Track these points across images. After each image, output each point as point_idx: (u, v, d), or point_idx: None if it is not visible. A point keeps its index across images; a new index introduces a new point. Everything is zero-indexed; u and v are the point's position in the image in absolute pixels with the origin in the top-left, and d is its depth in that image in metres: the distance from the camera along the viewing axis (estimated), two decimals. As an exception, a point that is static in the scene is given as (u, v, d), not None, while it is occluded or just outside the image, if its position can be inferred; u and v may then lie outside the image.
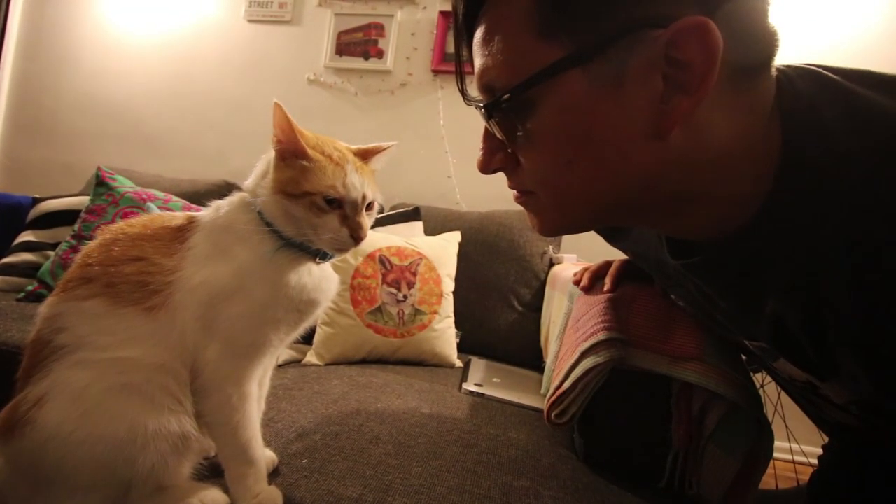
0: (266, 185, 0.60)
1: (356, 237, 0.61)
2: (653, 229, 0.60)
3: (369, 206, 0.64)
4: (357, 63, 2.19)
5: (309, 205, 0.59)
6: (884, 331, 0.40)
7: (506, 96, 0.43)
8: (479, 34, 0.46)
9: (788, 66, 0.46)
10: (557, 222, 0.52)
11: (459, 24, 0.48)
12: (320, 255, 0.63)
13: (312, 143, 0.61)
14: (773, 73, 0.44)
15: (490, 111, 0.45)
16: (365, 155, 0.67)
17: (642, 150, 0.42)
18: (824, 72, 0.44)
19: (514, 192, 0.53)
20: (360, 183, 0.61)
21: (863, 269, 0.39)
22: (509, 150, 0.49)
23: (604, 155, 0.43)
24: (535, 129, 0.44)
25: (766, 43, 0.42)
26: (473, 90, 0.50)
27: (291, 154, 0.60)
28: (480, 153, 0.51)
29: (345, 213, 0.61)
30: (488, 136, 0.50)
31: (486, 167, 0.51)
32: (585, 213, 0.49)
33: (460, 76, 0.52)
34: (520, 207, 0.54)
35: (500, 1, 0.44)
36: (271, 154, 0.62)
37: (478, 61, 0.46)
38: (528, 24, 0.41)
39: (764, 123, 0.43)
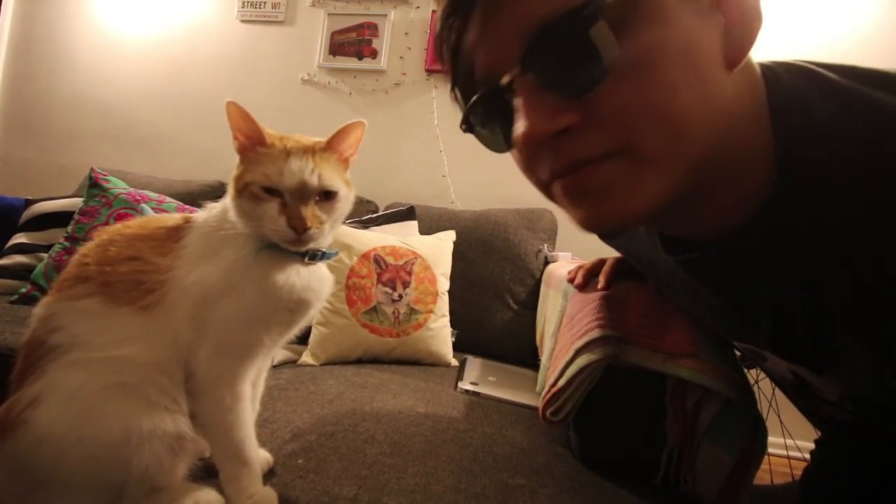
0: (230, 190, 0.61)
1: (294, 227, 0.57)
2: (664, 226, 0.56)
3: (328, 197, 0.60)
4: (351, 63, 2.19)
5: (249, 196, 0.58)
6: (888, 323, 0.40)
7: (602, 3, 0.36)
8: None
9: (773, 63, 0.46)
10: (657, 181, 0.41)
11: None
12: (309, 256, 0.62)
13: (276, 136, 0.61)
14: (757, 68, 0.44)
15: (593, 17, 0.36)
16: (331, 143, 0.62)
17: (721, 82, 0.40)
18: (810, 66, 0.44)
19: (564, 179, 0.43)
20: (301, 169, 0.57)
21: (867, 264, 0.40)
22: (572, 102, 0.40)
23: (701, 79, 0.39)
24: (640, 43, 0.37)
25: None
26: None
27: (250, 147, 0.59)
28: (527, 120, 0.40)
29: (285, 202, 0.58)
30: (536, 94, 0.40)
31: (545, 131, 0.40)
32: (688, 163, 0.41)
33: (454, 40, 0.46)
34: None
35: None
36: None
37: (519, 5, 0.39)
38: None
39: (761, 108, 0.43)
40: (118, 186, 1.66)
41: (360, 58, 2.18)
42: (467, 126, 0.50)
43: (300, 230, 0.57)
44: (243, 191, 0.58)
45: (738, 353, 0.73)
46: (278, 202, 0.57)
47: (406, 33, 2.15)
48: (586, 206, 0.44)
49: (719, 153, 0.41)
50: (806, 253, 0.43)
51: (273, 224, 0.57)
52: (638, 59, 0.37)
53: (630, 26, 0.37)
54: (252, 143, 0.60)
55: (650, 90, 0.38)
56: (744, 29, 0.40)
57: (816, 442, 0.83)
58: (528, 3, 0.39)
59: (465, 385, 1.08)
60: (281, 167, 0.57)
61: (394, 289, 1.31)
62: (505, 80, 0.42)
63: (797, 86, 0.43)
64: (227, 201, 0.61)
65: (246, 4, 2.31)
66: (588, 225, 0.45)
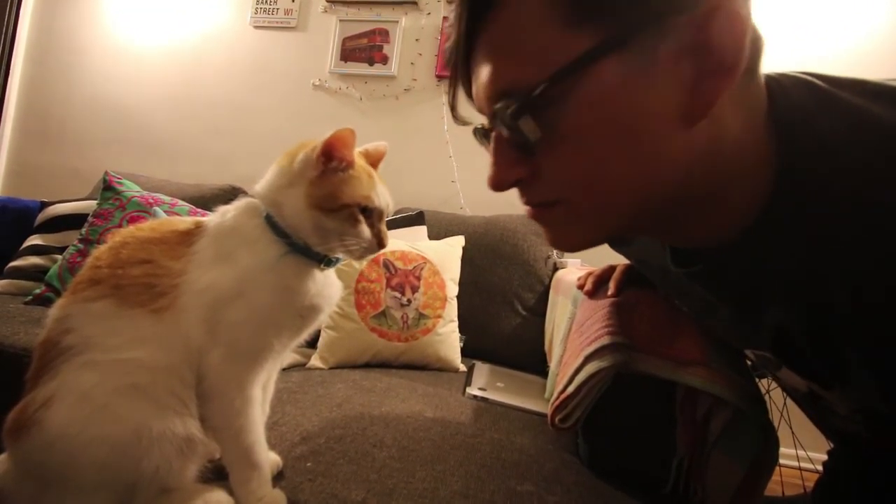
0: (294, 200, 0.60)
1: (382, 243, 0.64)
2: (661, 238, 0.59)
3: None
4: (362, 69, 2.21)
5: (346, 217, 0.61)
6: (889, 342, 0.40)
7: (537, 91, 0.40)
8: (488, 39, 0.43)
9: (780, 75, 0.45)
10: (580, 233, 0.48)
11: (461, 34, 0.45)
12: (325, 262, 0.63)
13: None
14: (762, 79, 0.44)
15: (517, 113, 0.41)
16: (371, 161, 0.68)
17: (673, 141, 0.41)
18: (816, 81, 0.44)
19: (529, 207, 0.50)
20: (384, 192, 0.65)
21: (868, 280, 0.39)
22: (527, 159, 0.45)
23: (638, 149, 0.41)
24: (567, 126, 0.41)
25: (758, 42, 0.42)
26: (464, 111, 0.51)
27: (335, 169, 0.61)
28: (492, 169, 0.47)
29: (372, 222, 0.63)
30: (500, 148, 0.46)
31: (503, 181, 0.47)
32: (619, 216, 0.46)
33: (453, 94, 0.51)
34: (524, 211, 0.52)
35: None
36: (285, 164, 0.63)
37: (487, 69, 0.43)
38: (552, 15, 0.39)
39: (761, 124, 0.43)
40: (131, 189, 1.68)
41: (371, 63, 2.20)
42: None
43: (384, 245, 0.64)
44: (339, 211, 0.60)
45: (749, 362, 0.72)
46: (368, 223, 0.63)
47: (417, 39, 2.16)
48: (545, 232, 0.51)
49: (692, 186, 0.43)
50: (805, 266, 0.43)
51: (362, 241, 0.62)
52: (565, 138, 0.42)
53: (557, 113, 0.40)
54: (344, 166, 0.61)
55: (578, 164, 0.43)
56: (711, 82, 0.39)
57: (829, 454, 0.82)
58: (487, 76, 0.44)
59: (473, 391, 1.08)
60: (375, 190, 0.63)
61: (402, 293, 1.32)
62: (486, 123, 0.48)
63: (801, 99, 0.43)
64: (287, 211, 0.61)
65: (259, 10, 2.33)
66: (550, 244, 0.53)
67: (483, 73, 0.44)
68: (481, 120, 0.50)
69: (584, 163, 0.42)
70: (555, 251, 1.65)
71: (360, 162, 0.64)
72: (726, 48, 0.37)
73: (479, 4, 0.43)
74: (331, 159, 0.60)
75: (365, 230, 0.62)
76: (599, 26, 0.38)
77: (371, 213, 0.63)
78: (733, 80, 0.38)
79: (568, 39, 0.39)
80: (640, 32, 0.38)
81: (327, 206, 0.60)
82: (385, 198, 0.65)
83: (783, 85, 0.44)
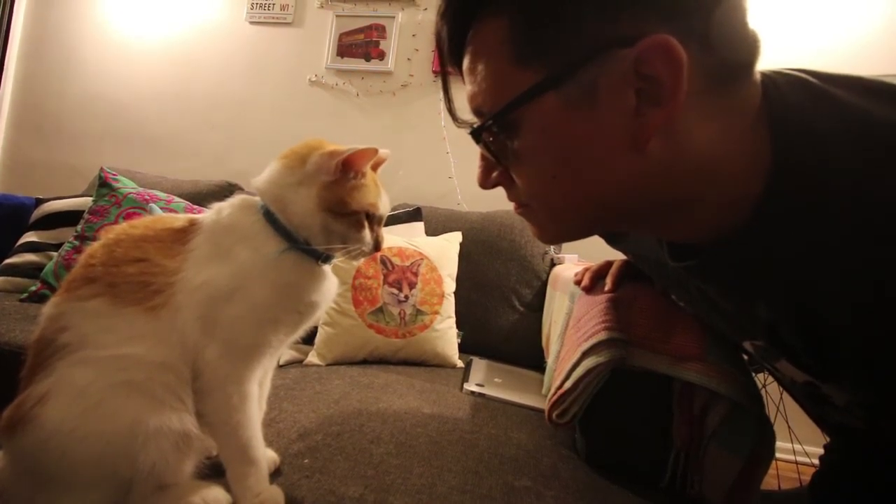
0: (304, 200, 0.62)
1: (379, 246, 0.68)
2: (649, 234, 0.60)
3: None
4: (358, 64, 2.20)
5: (354, 222, 0.63)
6: (881, 342, 0.40)
7: (489, 122, 0.46)
8: (466, 62, 0.48)
9: (774, 72, 0.45)
10: (553, 231, 0.55)
11: (445, 53, 0.51)
12: (322, 258, 0.64)
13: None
14: (757, 77, 0.44)
15: (478, 135, 0.48)
16: (372, 165, 0.69)
17: (622, 162, 0.43)
18: (812, 80, 0.44)
19: (514, 203, 0.55)
20: (386, 199, 0.69)
21: (862, 281, 0.39)
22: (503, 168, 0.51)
23: (584, 169, 0.45)
24: (521, 148, 0.46)
25: (747, 48, 0.42)
26: (465, 112, 0.53)
27: (350, 176, 0.63)
28: (479, 170, 0.54)
29: (372, 226, 0.66)
30: (484, 153, 0.52)
31: (484, 184, 0.54)
32: (576, 223, 0.51)
33: (448, 101, 0.55)
34: None
35: (479, 32, 0.46)
36: (293, 162, 0.63)
37: (467, 87, 0.49)
38: (505, 52, 0.44)
39: (750, 127, 0.43)
40: (127, 186, 1.67)
41: (368, 59, 2.19)
42: None
43: (380, 248, 0.69)
44: (349, 216, 0.63)
45: (745, 356, 0.73)
46: (369, 226, 0.66)
47: (413, 35, 2.15)
48: (529, 225, 0.56)
49: (660, 194, 0.45)
50: (796, 265, 0.43)
51: (364, 245, 0.65)
52: (521, 159, 0.47)
53: (512, 137, 0.46)
54: (358, 176, 0.64)
55: (533, 181, 0.48)
56: (650, 111, 0.40)
57: (826, 447, 0.83)
58: (466, 93, 0.49)
59: (470, 386, 1.08)
60: (379, 198, 0.67)
61: (400, 290, 1.31)
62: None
63: (796, 98, 0.43)
64: (293, 209, 0.62)
65: (255, 6, 2.32)
66: (534, 235, 0.56)
67: (466, 88, 0.50)
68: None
69: (537, 180, 0.48)
70: (552, 247, 1.65)
71: (368, 170, 0.66)
72: (663, 80, 0.39)
73: (458, 33, 0.48)
74: (349, 171, 0.62)
75: (367, 235, 0.65)
76: (543, 63, 0.42)
77: (373, 219, 0.66)
78: (673, 108, 0.40)
79: (518, 75, 0.43)
80: (580, 67, 0.41)
81: (338, 210, 0.62)
82: (386, 205, 0.69)
83: (777, 83, 0.44)
